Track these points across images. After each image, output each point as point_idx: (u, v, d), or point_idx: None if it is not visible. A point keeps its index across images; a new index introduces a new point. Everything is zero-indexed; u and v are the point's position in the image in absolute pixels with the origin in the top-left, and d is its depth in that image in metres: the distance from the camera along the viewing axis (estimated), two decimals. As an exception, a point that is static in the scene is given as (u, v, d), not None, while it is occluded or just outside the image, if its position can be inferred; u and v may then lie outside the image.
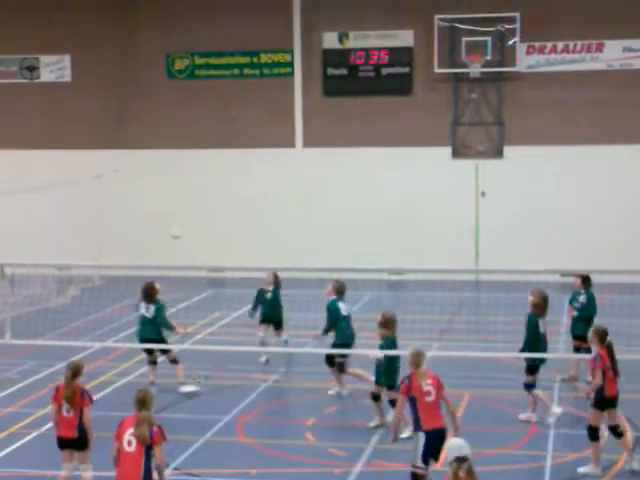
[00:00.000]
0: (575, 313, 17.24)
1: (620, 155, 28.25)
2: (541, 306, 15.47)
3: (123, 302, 25.47)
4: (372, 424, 15.11)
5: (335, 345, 16.67)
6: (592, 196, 28.53)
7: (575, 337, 17.14)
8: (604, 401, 12.90)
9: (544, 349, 15.45)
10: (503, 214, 28.79)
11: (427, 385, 11.69)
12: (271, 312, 19.14)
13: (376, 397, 15.00)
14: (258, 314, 19.23)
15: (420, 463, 11.43)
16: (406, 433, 14.76)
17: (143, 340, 17.02)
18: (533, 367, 15.43)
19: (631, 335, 20.04)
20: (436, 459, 11.51)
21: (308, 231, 29.51)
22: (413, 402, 11.64)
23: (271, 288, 19.21)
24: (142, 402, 10.87)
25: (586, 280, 17.24)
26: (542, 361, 15.41)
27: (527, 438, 14.63)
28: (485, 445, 14.13)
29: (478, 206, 29.22)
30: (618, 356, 14.34)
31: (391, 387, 14.59)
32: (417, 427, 11.59)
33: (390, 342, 14.94)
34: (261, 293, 19.39)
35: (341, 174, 29.73)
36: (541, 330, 15.45)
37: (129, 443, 10.59)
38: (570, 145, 28.55)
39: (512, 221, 28.63)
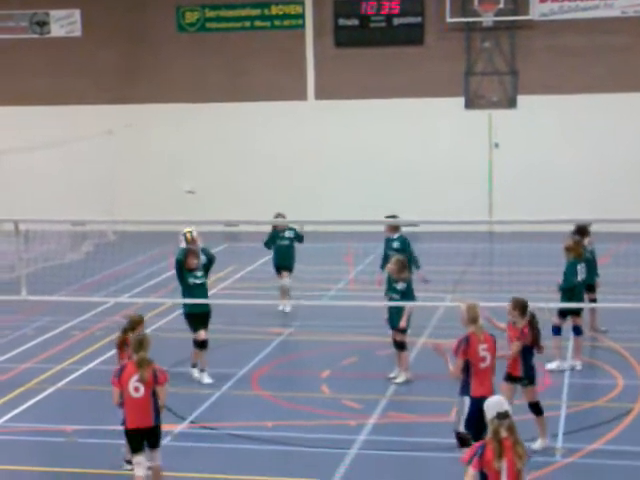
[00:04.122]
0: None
1: (636, 103, 27.98)
2: (574, 249, 15.19)
3: (137, 257, 25.57)
4: (391, 374, 15.14)
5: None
6: (607, 145, 28.31)
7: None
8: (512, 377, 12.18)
9: (577, 297, 15.16)
10: (516, 165, 28.62)
11: (484, 350, 11.01)
12: (286, 259, 19.36)
13: (402, 346, 14.96)
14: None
15: (462, 429, 10.89)
16: (401, 378, 14.83)
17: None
18: (564, 312, 15.25)
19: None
20: (480, 431, 10.44)
21: (321, 184, 29.42)
22: (466, 365, 10.98)
23: (287, 229, 19.28)
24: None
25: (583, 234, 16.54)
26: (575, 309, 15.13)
27: (541, 388, 14.62)
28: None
29: (492, 157, 29.08)
30: (628, 305, 14.35)
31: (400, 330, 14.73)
32: (464, 391, 10.99)
33: (410, 284, 15.01)
34: (276, 233, 19.44)
35: (353, 126, 29.57)
36: (578, 277, 15.20)
37: (136, 389, 10.66)
38: (584, 94, 28.31)
39: (525, 172, 28.48)
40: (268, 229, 20.78)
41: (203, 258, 15.55)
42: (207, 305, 15.51)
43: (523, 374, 12.10)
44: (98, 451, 12.48)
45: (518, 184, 28.41)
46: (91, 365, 16.24)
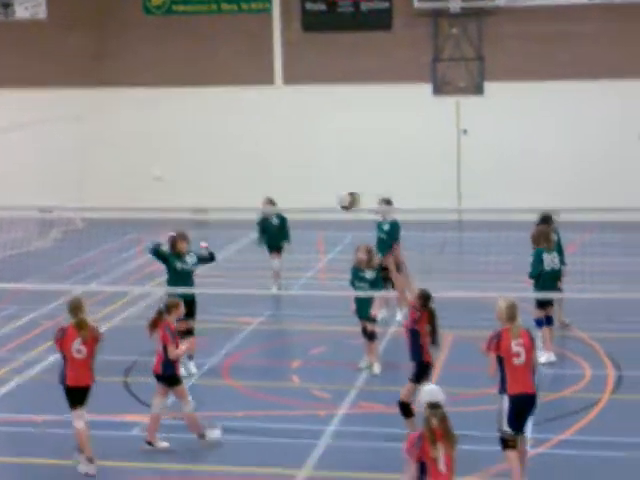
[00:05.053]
0: None
1: (603, 90, 28.10)
2: (539, 238, 15.26)
3: (105, 245, 25.43)
4: (361, 364, 15.18)
5: None
6: (573, 132, 28.44)
7: None
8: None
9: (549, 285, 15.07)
10: (485, 151, 28.69)
11: (517, 345, 10.68)
12: (277, 239, 19.67)
13: (372, 336, 15.01)
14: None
15: (506, 427, 10.64)
16: (377, 368, 14.85)
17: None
18: (542, 302, 15.25)
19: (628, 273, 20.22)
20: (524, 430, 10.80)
21: (288, 170, 29.34)
22: (500, 362, 10.71)
23: (274, 215, 19.58)
24: (78, 308, 11.63)
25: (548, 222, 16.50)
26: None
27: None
28: (471, 386, 14.27)
29: (460, 144, 29.15)
30: (596, 295, 14.45)
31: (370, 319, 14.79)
32: (502, 389, 10.74)
33: (378, 272, 15.05)
34: (265, 220, 19.67)
35: (321, 111, 29.49)
36: (545, 266, 15.18)
37: (78, 351, 11.55)
38: (551, 80, 28.39)
39: (494, 158, 28.55)
40: (236, 216, 20.85)
41: (204, 252, 15.54)
42: (192, 293, 15.35)
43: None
44: (68, 441, 12.41)
45: (486, 170, 28.46)
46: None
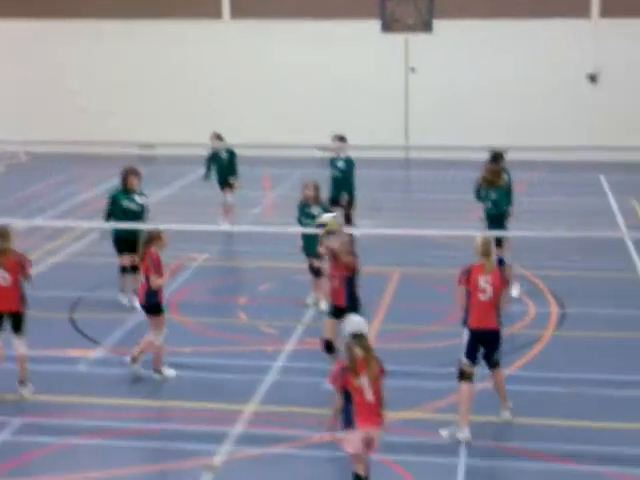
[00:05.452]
0: None
1: (553, 29, 28.09)
2: (488, 179, 15.29)
3: (50, 179, 25.15)
4: (308, 300, 15.22)
5: None
6: (524, 71, 28.41)
7: None
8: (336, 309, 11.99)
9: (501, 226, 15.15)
10: (433, 90, 28.65)
11: (485, 282, 10.81)
12: (226, 174, 19.66)
13: (319, 272, 15.01)
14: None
15: (464, 358, 10.84)
16: (323, 306, 14.89)
17: None
18: (498, 240, 15.24)
19: (573, 212, 20.40)
20: (490, 364, 10.98)
21: (235, 105, 29.08)
22: (468, 295, 10.88)
23: (224, 149, 19.54)
24: (3, 236, 11.69)
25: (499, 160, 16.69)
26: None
27: (457, 315, 14.87)
28: (415, 322, 14.40)
29: (408, 82, 29.06)
30: (542, 234, 14.58)
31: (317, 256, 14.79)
32: (464, 321, 10.95)
33: (325, 209, 15.05)
34: (215, 155, 19.66)
35: (268, 47, 29.20)
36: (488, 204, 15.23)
37: (3, 278, 11.63)
38: (501, 18, 28.31)
39: (442, 97, 28.53)
40: (185, 151, 20.66)
41: (144, 199, 15.52)
42: (136, 230, 15.16)
43: (348, 304, 11.85)
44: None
45: (435, 109, 28.45)
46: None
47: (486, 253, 10.94)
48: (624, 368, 12.62)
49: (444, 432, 10.77)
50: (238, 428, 10.93)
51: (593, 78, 28.31)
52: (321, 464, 10.16)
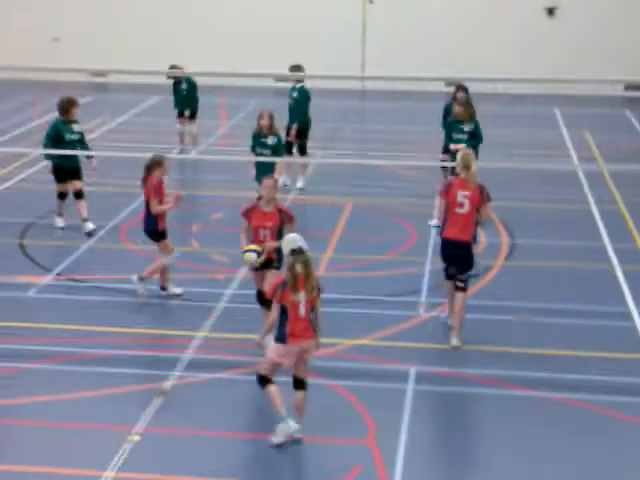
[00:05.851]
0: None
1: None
2: (465, 112, 15.14)
3: (1, 105, 24.78)
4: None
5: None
6: (480, 2, 28.20)
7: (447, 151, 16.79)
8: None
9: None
10: (391, 21, 28.43)
11: (463, 197, 11.11)
12: (186, 103, 19.62)
13: None
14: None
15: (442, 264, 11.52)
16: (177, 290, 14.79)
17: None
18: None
19: (527, 145, 20.44)
20: (456, 285, 11.30)
21: (192, 34, 28.73)
22: (446, 207, 11.24)
23: (184, 79, 19.51)
24: None
25: (466, 90, 16.71)
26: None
27: (408, 245, 14.98)
28: (367, 252, 14.45)
29: (365, 13, 28.80)
30: (513, 165, 14.59)
31: None
32: (440, 231, 11.41)
33: (280, 138, 15.03)
34: (175, 84, 19.68)
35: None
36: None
37: None
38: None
39: (400, 28, 28.30)
40: (138, 79, 20.38)
41: (80, 126, 15.46)
42: (77, 159, 15.23)
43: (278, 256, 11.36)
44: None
45: (392, 40, 28.23)
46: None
47: (466, 166, 11.22)
48: (573, 298, 12.77)
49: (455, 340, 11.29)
50: (188, 354, 10.95)
51: (551, 11, 28.25)
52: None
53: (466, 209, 11.15)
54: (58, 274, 13.42)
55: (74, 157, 15.13)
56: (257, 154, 15.00)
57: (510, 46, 27.93)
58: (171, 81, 20.17)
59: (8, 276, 13.16)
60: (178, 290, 12.69)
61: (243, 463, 8.93)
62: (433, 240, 14.99)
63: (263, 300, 10.94)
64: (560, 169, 18.62)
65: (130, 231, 15.26)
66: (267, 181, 10.98)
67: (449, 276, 11.50)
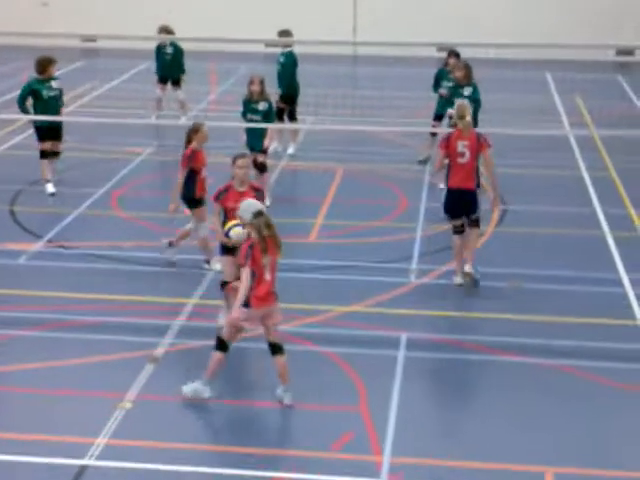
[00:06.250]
0: (445, 92, 16.35)
1: None
2: (464, 75, 15.03)
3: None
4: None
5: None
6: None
7: (438, 117, 16.70)
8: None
9: None
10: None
11: (464, 147, 11.72)
12: (170, 69, 19.30)
13: (263, 167, 14.87)
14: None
15: (445, 214, 12.05)
16: (267, 202, 14.83)
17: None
18: None
19: (519, 110, 20.39)
20: (469, 223, 11.93)
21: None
22: (448, 159, 11.80)
23: (169, 43, 19.02)
24: None
25: (457, 56, 16.67)
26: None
27: (399, 211, 14.95)
28: (358, 218, 14.43)
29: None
30: (504, 130, 14.63)
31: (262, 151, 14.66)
32: (445, 182, 12.01)
33: (271, 104, 14.92)
34: (159, 49, 19.32)
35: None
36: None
37: None
38: None
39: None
40: (128, 44, 20.22)
41: (58, 82, 15.51)
42: (57, 116, 15.30)
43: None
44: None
45: (384, 5, 28.05)
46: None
47: (461, 116, 11.73)
48: (564, 264, 12.77)
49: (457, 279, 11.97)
50: (180, 321, 10.95)
51: (542, -25, 28.09)
52: (259, 355, 10.22)
53: (467, 158, 11.71)
54: (49, 241, 13.37)
55: (54, 115, 15.11)
56: (248, 120, 14.91)
57: (502, 11, 27.77)
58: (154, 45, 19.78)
59: (-3, 243, 13.13)
60: (217, 266, 12.05)
61: (233, 429, 8.94)
62: (425, 206, 14.98)
63: (224, 285, 10.63)
64: (551, 135, 18.58)
65: (121, 198, 15.20)
66: (241, 161, 10.54)
67: (457, 230, 11.95)
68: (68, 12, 28.15)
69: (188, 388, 9.23)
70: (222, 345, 9.17)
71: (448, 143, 11.77)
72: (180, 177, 12.22)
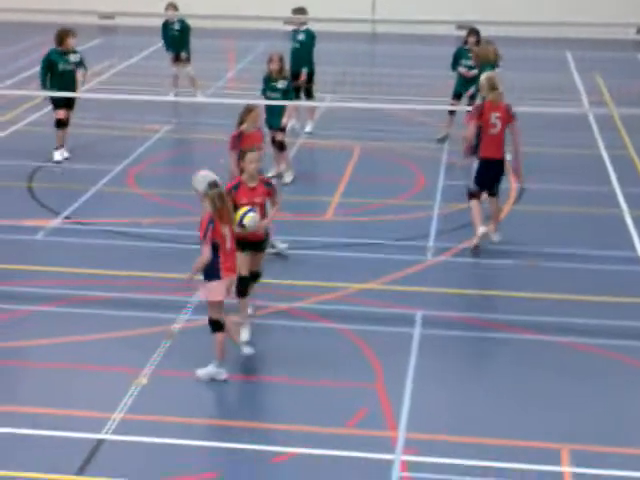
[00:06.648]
0: (465, 70, 16.38)
1: None
2: (488, 55, 14.97)
3: (7, 48, 24.65)
4: (270, 174, 15.11)
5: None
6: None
7: (457, 96, 16.67)
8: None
9: None
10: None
11: (495, 118, 12.11)
12: (179, 46, 19.30)
13: (282, 145, 14.89)
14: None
15: (472, 185, 12.37)
16: (288, 177, 14.88)
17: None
18: None
19: (538, 89, 20.31)
20: (490, 193, 12.44)
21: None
22: (479, 130, 12.16)
23: (176, 20, 19.00)
24: None
25: (477, 34, 16.66)
26: None
27: (417, 189, 14.92)
28: (375, 196, 14.41)
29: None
30: (523, 109, 14.61)
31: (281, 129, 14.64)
32: (474, 152, 12.33)
33: (290, 82, 14.92)
34: (166, 25, 19.32)
35: None
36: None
37: None
38: None
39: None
40: (147, 22, 20.16)
41: (78, 56, 15.72)
42: (72, 89, 15.47)
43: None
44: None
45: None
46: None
47: (493, 87, 12.18)
48: (582, 242, 12.73)
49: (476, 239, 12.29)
50: (196, 297, 10.97)
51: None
52: (274, 331, 10.25)
53: (498, 128, 12.16)
54: (66, 217, 13.42)
55: (69, 88, 15.30)
56: (267, 98, 14.89)
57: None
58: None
59: (17, 219, 13.16)
60: (283, 246, 12.15)
61: (248, 405, 8.97)
62: (442, 184, 14.95)
63: (245, 288, 9.98)
64: (570, 113, 18.48)
65: (138, 175, 15.23)
66: (251, 155, 9.83)
67: (476, 197, 12.39)
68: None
69: (202, 372, 9.25)
70: (217, 325, 9.20)
71: (481, 114, 12.14)
72: (232, 162, 11.89)
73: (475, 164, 12.37)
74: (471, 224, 12.52)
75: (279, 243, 12.17)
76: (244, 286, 9.91)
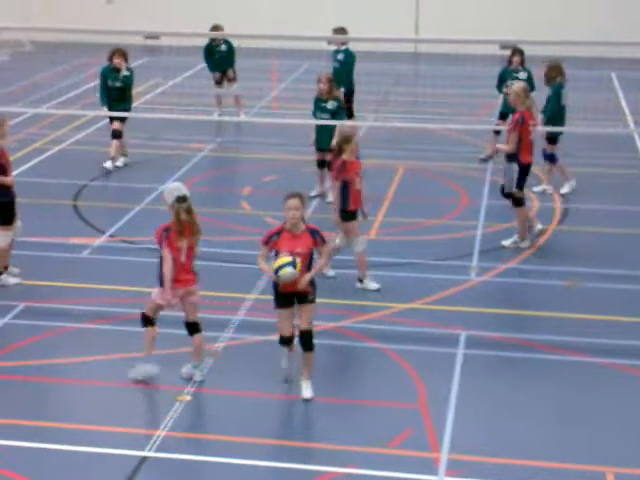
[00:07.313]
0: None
1: None
2: (553, 73, 15.15)
3: (56, 68, 24.95)
4: (313, 193, 15.16)
5: None
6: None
7: (503, 116, 16.66)
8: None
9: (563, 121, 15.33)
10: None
11: (533, 125, 12.99)
12: (226, 66, 19.54)
13: (321, 163, 14.93)
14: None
15: (515, 189, 12.95)
16: (329, 198, 14.78)
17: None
18: (554, 139, 15.28)
19: (583, 109, 20.21)
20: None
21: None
22: (520, 137, 12.82)
23: (222, 41, 19.23)
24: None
25: (521, 54, 16.73)
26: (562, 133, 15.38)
27: (460, 209, 14.90)
28: (418, 215, 14.41)
29: (420, -26, 28.52)
30: (546, 129, 14.61)
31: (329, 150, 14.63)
32: (513, 159, 12.91)
33: (339, 102, 14.91)
34: (212, 47, 19.47)
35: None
36: (561, 101, 15.23)
37: None
38: None
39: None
40: (190, 41, 20.26)
41: (128, 72, 16.47)
42: (126, 105, 16.42)
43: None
44: None
45: (446, 1, 27.91)
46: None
47: (528, 96, 13.08)
48: (626, 264, 12.64)
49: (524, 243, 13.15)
50: (239, 316, 11.02)
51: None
52: (319, 350, 10.25)
53: (533, 135, 13.10)
54: (111, 235, 13.54)
55: (120, 106, 16.21)
56: (317, 118, 14.86)
57: (563, 8, 27.50)
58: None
59: (63, 237, 13.30)
60: (374, 285, 11.81)
61: (292, 425, 8.99)
62: (486, 203, 14.92)
63: (289, 341, 9.46)
64: (616, 133, 18.37)
65: (182, 193, 15.31)
66: (292, 202, 9.11)
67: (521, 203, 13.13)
68: (132, 10, 28.43)
69: (133, 372, 9.60)
70: (146, 320, 9.59)
71: (524, 125, 12.80)
72: (335, 191, 11.78)
73: (516, 169, 12.91)
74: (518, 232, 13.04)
75: (330, 271, 12.17)
76: (284, 344, 9.48)
